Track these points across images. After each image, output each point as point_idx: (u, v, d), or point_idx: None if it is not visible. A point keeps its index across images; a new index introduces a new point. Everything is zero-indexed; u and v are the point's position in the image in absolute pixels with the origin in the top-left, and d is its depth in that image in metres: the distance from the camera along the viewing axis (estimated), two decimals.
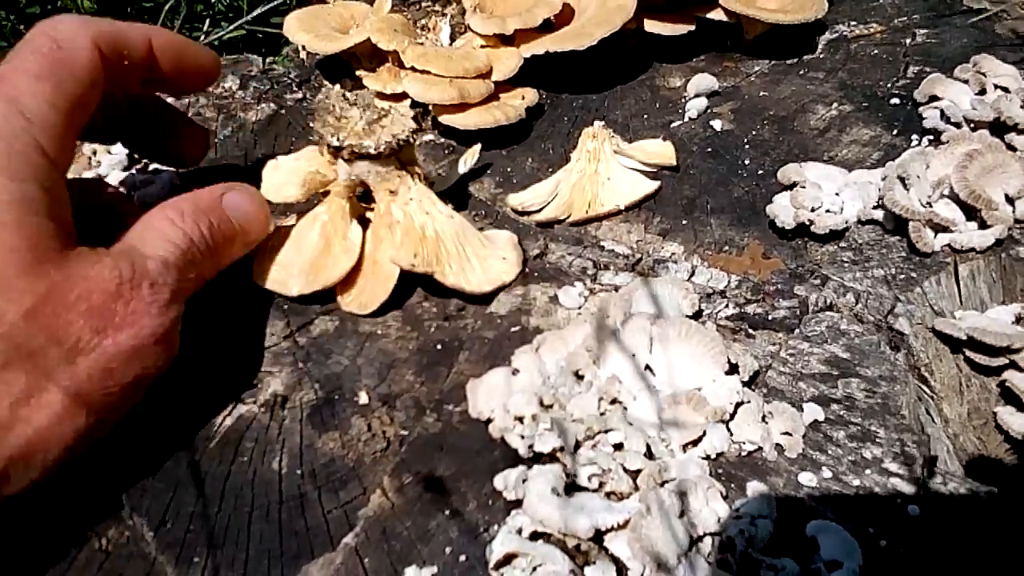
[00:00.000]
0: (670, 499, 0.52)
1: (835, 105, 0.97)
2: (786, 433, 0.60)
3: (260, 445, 0.62)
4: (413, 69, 0.92)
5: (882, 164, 0.84)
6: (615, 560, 0.51)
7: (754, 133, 0.94)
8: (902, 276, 0.73)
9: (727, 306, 0.72)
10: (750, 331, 0.70)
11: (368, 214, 0.76)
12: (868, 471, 0.58)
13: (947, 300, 0.72)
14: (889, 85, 0.99)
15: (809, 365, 0.66)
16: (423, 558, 0.54)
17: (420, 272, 0.70)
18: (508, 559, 0.51)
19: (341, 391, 0.66)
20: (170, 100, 1.01)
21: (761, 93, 1.01)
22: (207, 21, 1.56)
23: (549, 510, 0.52)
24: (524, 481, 0.55)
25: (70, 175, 0.62)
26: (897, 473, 0.58)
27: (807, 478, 0.58)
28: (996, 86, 0.87)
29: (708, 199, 0.86)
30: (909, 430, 0.60)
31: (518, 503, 0.54)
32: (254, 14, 1.35)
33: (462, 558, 0.54)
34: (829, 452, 0.59)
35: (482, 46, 0.99)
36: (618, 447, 0.56)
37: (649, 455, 0.57)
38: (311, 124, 0.72)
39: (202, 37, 1.47)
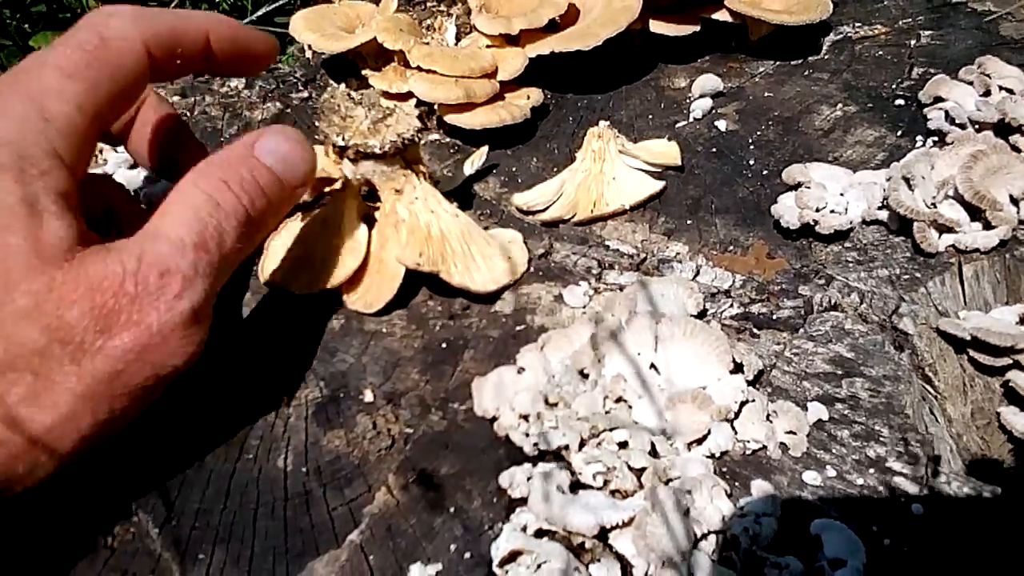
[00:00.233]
0: (674, 497, 0.52)
1: (840, 106, 0.97)
2: (790, 432, 0.60)
3: (265, 442, 0.63)
4: (419, 68, 0.92)
5: (887, 165, 0.84)
6: (620, 558, 0.52)
7: (759, 134, 0.94)
8: (906, 276, 0.73)
9: (731, 305, 0.72)
10: (754, 330, 0.70)
11: (374, 213, 0.76)
12: (872, 470, 0.58)
13: (951, 300, 0.72)
14: (894, 86, 0.99)
15: (813, 364, 0.66)
16: (428, 555, 0.55)
17: (425, 271, 0.70)
18: (513, 556, 0.51)
19: (346, 389, 0.66)
20: (173, 100, 1.01)
21: (766, 94, 1.01)
22: None
23: (554, 508, 0.52)
24: (529, 479, 0.55)
25: None
26: (901, 472, 0.58)
27: (811, 477, 0.58)
28: (1001, 88, 0.86)
29: (713, 199, 0.86)
30: (913, 429, 0.60)
31: (523, 501, 0.54)
32: (259, 13, 1.35)
33: (467, 555, 0.54)
34: (833, 451, 0.60)
35: (487, 46, 0.99)
36: (623, 445, 0.57)
37: (654, 453, 0.57)
38: (316, 123, 0.72)
39: None
